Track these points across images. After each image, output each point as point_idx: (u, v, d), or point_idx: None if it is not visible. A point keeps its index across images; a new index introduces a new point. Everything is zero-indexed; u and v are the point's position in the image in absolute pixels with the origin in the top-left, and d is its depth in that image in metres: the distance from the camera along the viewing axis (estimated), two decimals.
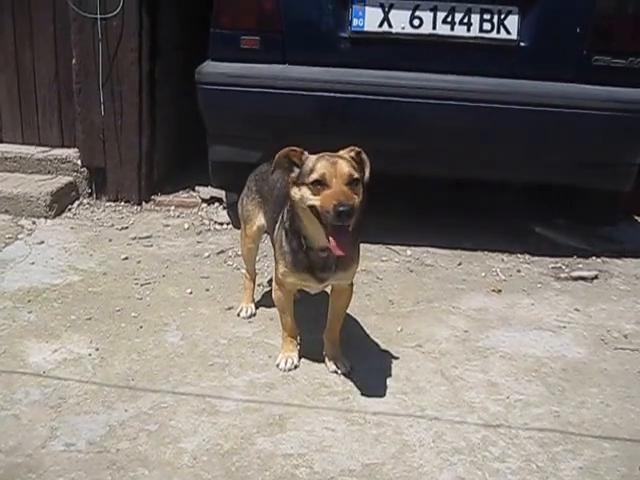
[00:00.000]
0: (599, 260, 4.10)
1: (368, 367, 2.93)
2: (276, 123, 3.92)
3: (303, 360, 2.97)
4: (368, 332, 3.21)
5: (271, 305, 3.21)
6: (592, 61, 3.75)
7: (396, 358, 3.00)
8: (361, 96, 3.83)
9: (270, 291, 3.47)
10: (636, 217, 4.72)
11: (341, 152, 2.57)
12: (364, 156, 2.60)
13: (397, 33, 3.78)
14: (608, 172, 3.99)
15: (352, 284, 2.89)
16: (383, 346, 3.10)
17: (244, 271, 3.41)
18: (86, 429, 2.51)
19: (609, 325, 3.37)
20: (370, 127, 3.85)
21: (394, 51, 3.83)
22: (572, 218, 4.49)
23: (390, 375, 2.88)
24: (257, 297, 3.47)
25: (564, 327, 3.34)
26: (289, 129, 3.87)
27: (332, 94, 3.84)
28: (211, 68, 3.95)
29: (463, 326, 3.30)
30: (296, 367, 2.90)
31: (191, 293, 3.53)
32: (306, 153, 2.58)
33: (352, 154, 2.57)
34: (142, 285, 3.59)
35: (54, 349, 2.98)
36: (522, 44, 3.77)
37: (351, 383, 2.82)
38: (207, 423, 2.56)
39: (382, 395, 2.75)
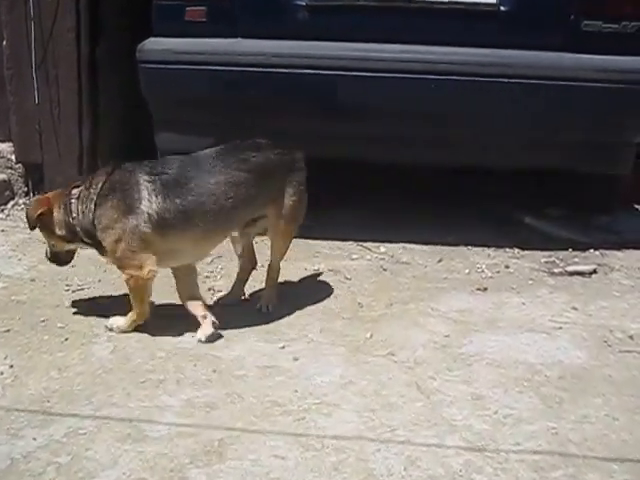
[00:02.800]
0: (597, 253, 3.71)
1: (329, 380, 2.49)
2: (228, 105, 3.50)
3: (252, 373, 2.52)
4: (332, 339, 2.78)
5: (219, 314, 2.84)
6: (581, 27, 3.35)
7: (364, 369, 2.57)
8: (323, 72, 3.40)
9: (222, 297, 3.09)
10: (635, 205, 4.30)
11: None
12: None
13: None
14: (605, 153, 3.60)
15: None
16: (349, 355, 2.67)
17: None
18: None
19: (612, 325, 2.97)
20: (334, 107, 3.45)
21: (360, 20, 3.42)
22: (565, 207, 4.07)
23: (356, 389, 2.45)
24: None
25: (560, 328, 2.93)
26: (243, 111, 3.48)
27: (290, 70, 3.42)
28: (153, 45, 3.53)
29: (443, 330, 2.87)
30: None
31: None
32: None
33: None
34: (74, 291, 3.15)
35: None
36: (502, 8, 3.36)
37: (309, 400, 2.37)
38: (131, 452, 2.12)
39: (344, 413, 2.31)
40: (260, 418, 2.28)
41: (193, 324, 2.79)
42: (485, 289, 3.25)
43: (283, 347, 2.70)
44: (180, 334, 2.79)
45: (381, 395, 2.42)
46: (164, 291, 2.94)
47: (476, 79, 3.36)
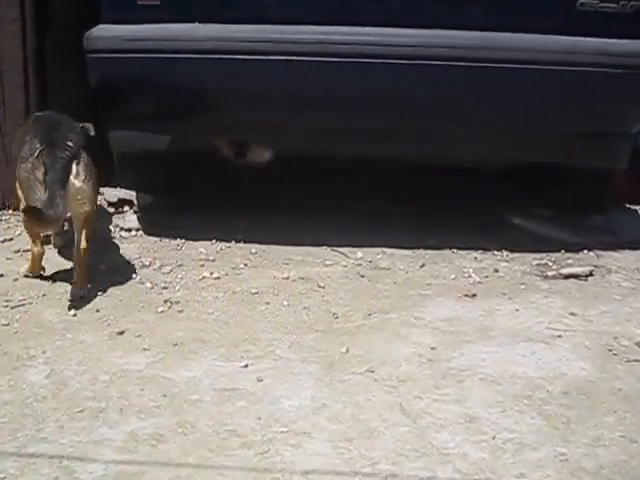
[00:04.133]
0: (592, 254, 3.42)
1: (299, 404, 2.16)
2: (186, 97, 3.17)
3: (209, 397, 2.16)
4: (302, 356, 2.44)
5: (176, 329, 2.54)
6: (576, 5, 3.03)
7: (339, 390, 2.25)
8: (291, 58, 3.07)
9: (181, 311, 2.77)
10: (628, 205, 4.02)
11: None
12: None
13: None
14: (601, 145, 3.29)
15: None
16: (322, 374, 2.34)
17: None
18: None
19: (615, 331, 2.69)
20: (305, 97, 3.12)
21: (329, 2, 3.09)
22: (556, 207, 3.77)
23: (329, 414, 2.12)
24: (162, 317, 2.69)
25: (559, 337, 2.63)
26: (203, 104, 3.16)
27: (255, 57, 3.08)
28: (102, 32, 3.18)
29: (429, 342, 2.56)
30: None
31: (75, 315, 2.74)
32: None
33: None
34: (13, 308, 2.78)
35: None
36: None
37: (274, 429, 2.02)
38: None
39: (316, 444, 1.97)
40: (216, 452, 1.94)
41: (142, 341, 2.44)
42: (474, 295, 2.95)
43: (246, 366, 2.37)
44: (127, 353, 2.43)
45: (359, 420, 2.10)
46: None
47: (461, 64, 3.05)
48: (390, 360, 2.43)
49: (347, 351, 2.48)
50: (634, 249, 3.48)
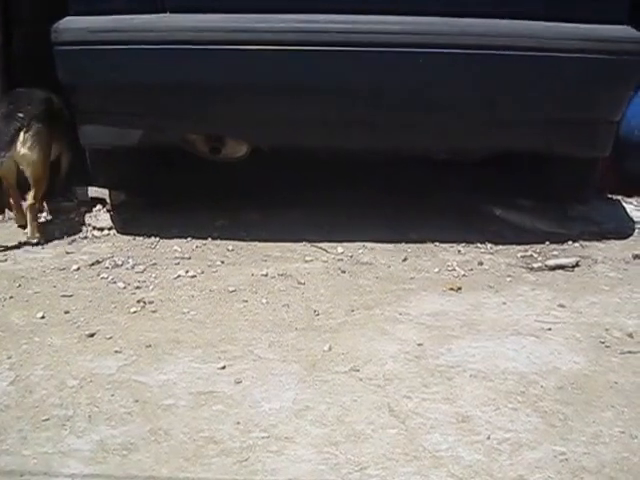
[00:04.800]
0: (577, 244, 3.33)
1: (280, 407, 2.02)
2: (158, 90, 3.03)
3: (184, 402, 2.03)
4: (283, 355, 2.31)
5: (150, 330, 2.41)
6: None
7: (322, 390, 2.12)
8: (266, 48, 2.94)
9: (154, 311, 2.64)
10: (610, 195, 3.93)
11: None
12: None
13: None
14: (583, 133, 3.18)
15: None
16: (304, 374, 2.21)
17: None
18: None
19: (606, 322, 2.58)
20: (280, 87, 2.99)
21: None
22: (538, 198, 3.68)
23: (313, 417, 1.99)
24: (135, 317, 2.56)
25: (549, 329, 2.52)
26: (175, 96, 3.02)
27: (229, 47, 2.96)
28: (70, 24, 3.04)
29: (415, 338, 2.43)
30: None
31: (43, 317, 2.60)
32: None
33: None
34: None
35: None
36: None
37: (254, 434, 1.89)
38: None
39: (299, 449, 1.84)
40: (192, 461, 1.80)
41: (114, 343, 2.31)
42: (459, 289, 2.83)
43: (223, 367, 2.23)
44: (97, 356, 2.29)
45: (345, 423, 1.96)
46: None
47: (436, 51, 2.95)
48: (375, 358, 2.31)
49: (330, 349, 2.36)
50: (619, 239, 3.39)
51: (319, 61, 2.96)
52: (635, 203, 3.80)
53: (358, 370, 2.23)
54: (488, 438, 1.90)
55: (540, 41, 2.97)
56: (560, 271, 3.04)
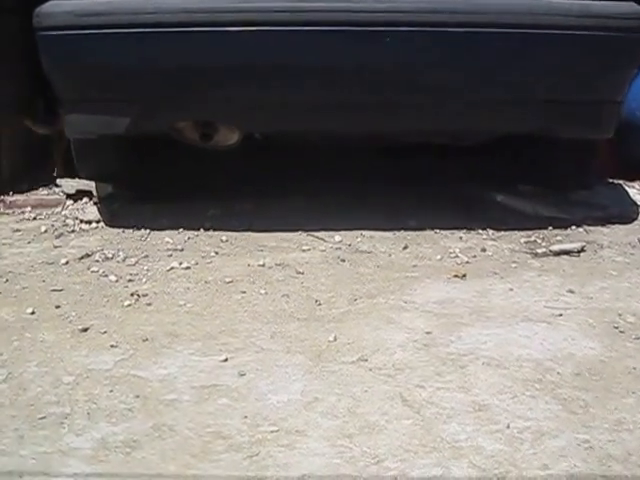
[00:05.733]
0: (581, 229, 3.25)
1: (288, 399, 1.93)
2: (147, 76, 2.92)
3: (187, 396, 1.93)
4: (286, 346, 2.22)
5: (145, 323, 2.31)
6: None
7: (330, 381, 2.02)
8: (258, 28, 2.83)
9: (149, 304, 2.53)
10: (611, 180, 3.87)
11: None
12: None
13: None
14: (586, 113, 3.10)
15: None
16: (310, 365, 2.11)
17: None
18: None
19: (618, 307, 2.50)
20: (271, 70, 2.88)
21: None
22: (539, 182, 3.59)
23: (323, 409, 1.89)
24: (130, 311, 2.45)
25: (560, 315, 2.44)
26: (165, 81, 2.91)
27: (220, 29, 2.84)
28: (53, 7, 2.90)
29: (423, 326, 2.34)
30: None
31: (33, 313, 2.48)
32: None
33: None
34: None
35: None
36: None
37: (263, 428, 1.80)
38: None
39: (312, 443, 1.74)
40: (199, 457, 1.70)
41: (109, 338, 2.20)
42: (464, 276, 2.74)
43: (225, 360, 2.13)
44: (92, 351, 2.19)
45: (357, 414, 1.87)
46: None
47: (436, 30, 2.85)
48: (383, 347, 2.21)
49: (335, 339, 2.26)
50: (623, 223, 3.31)
51: (310, 42, 2.86)
52: (637, 187, 3.73)
53: (366, 360, 2.14)
54: (508, 427, 1.81)
55: (541, 18, 2.88)
56: (565, 256, 2.97)
